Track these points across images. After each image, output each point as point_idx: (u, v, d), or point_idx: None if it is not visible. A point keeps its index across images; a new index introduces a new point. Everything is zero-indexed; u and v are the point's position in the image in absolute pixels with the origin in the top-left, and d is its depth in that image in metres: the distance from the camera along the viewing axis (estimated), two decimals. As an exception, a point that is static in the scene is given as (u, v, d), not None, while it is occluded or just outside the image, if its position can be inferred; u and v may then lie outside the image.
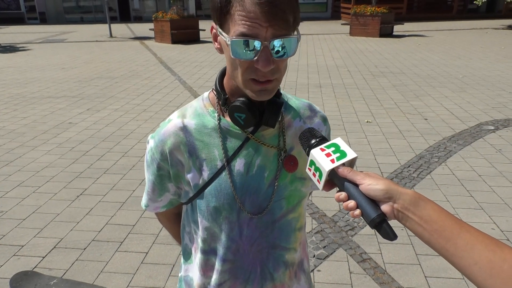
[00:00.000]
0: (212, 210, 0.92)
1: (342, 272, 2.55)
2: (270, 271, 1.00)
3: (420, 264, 2.60)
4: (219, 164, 0.90)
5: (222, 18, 0.77)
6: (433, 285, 2.43)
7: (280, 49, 0.76)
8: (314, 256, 2.70)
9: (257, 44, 0.74)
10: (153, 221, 3.12)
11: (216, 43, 0.84)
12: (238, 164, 0.91)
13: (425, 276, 2.50)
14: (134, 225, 3.08)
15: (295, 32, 0.78)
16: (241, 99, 0.86)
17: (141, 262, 2.67)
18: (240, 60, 0.77)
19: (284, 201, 0.95)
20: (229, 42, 0.75)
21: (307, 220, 3.10)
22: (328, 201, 3.34)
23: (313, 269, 2.57)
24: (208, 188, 0.91)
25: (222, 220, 0.93)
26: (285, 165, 0.93)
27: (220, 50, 0.84)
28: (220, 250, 0.97)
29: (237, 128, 0.90)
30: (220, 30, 0.79)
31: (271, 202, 0.93)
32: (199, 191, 0.92)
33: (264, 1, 0.72)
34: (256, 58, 0.75)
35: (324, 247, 2.78)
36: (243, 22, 0.73)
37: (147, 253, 2.77)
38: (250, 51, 0.75)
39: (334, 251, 2.74)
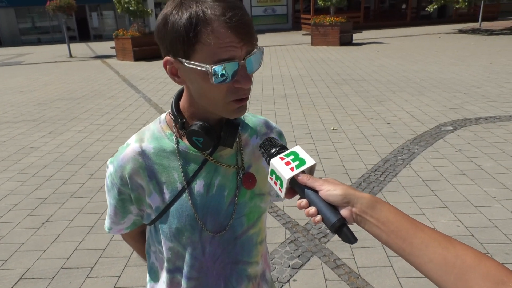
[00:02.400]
0: (175, 231, 0.93)
1: (318, 280, 2.58)
2: (234, 285, 1.02)
3: (392, 266, 2.67)
4: (179, 186, 0.91)
5: (189, 49, 0.76)
6: (405, 285, 2.49)
7: (252, 64, 0.80)
8: (289, 266, 2.71)
9: (236, 65, 0.76)
10: (125, 243, 3.05)
11: (175, 77, 0.83)
12: (198, 185, 0.92)
13: (397, 277, 2.56)
14: (104, 249, 3.00)
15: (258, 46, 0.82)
16: (198, 123, 0.86)
17: (114, 287, 2.60)
18: (221, 85, 0.78)
19: (244, 218, 0.97)
20: (211, 71, 0.75)
21: (281, 230, 3.12)
22: (301, 211, 3.38)
23: (289, 279, 2.59)
24: (170, 210, 0.92)
25: (185, 240, 0.94)
26: (244, 182, 0.95)
27: (182, 82, 0.84)
28: (185, 269, 0.98)
29: (195, 150, 0.90)
30: (188, 61, 0.77)
31: (231, 220, 0.96)
32: (161, 214, 0.93)
33: (237, 23, 0.74)
34: (236, 78, 0.78)
35: (299, 256, 2.81)
36: (219, 48, 0.74)
37: (119, 276, 2.70)
38: (230, 73, 0.76)
39: (309, 260, 2.77)
